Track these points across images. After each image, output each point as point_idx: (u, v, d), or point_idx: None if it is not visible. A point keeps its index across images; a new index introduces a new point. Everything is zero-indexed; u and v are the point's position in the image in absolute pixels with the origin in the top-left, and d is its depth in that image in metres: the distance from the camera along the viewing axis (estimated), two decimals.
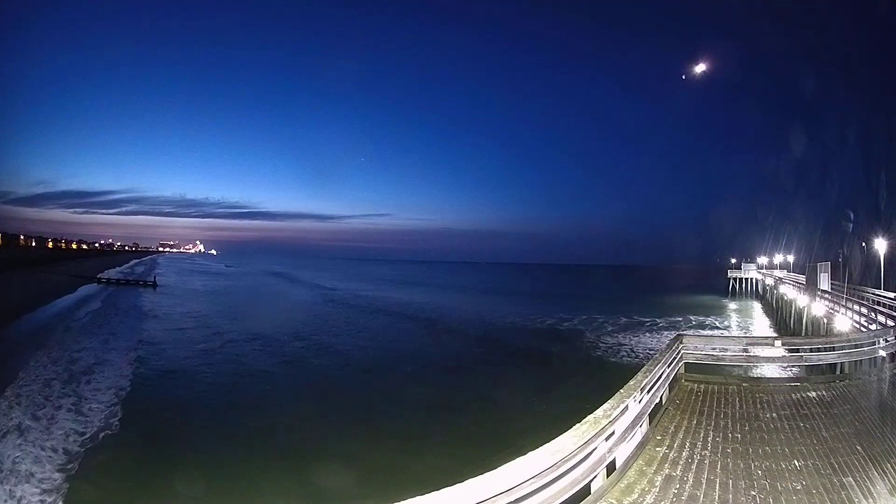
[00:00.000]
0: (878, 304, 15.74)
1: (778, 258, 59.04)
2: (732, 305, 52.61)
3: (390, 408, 16.04)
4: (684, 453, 5.21)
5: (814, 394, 7.79)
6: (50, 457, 11.60)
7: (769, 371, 14.15)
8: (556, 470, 3.21)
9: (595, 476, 3.98)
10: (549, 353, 25.67)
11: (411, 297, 59.06)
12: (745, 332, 33.42)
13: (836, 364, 10.34)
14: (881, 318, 14.01)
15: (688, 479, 4.55)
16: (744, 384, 8.35)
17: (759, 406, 7.11)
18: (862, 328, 14.57)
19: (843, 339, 10.74)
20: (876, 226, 23.31)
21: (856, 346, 9.89)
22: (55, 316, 33.16)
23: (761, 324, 37.76)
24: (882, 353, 9.91)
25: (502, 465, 2.87)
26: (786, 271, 51.63)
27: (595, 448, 3.86)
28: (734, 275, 64.23)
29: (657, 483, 4.44)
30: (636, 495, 4.18)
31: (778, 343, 9.86)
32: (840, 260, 27.91)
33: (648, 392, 5.62)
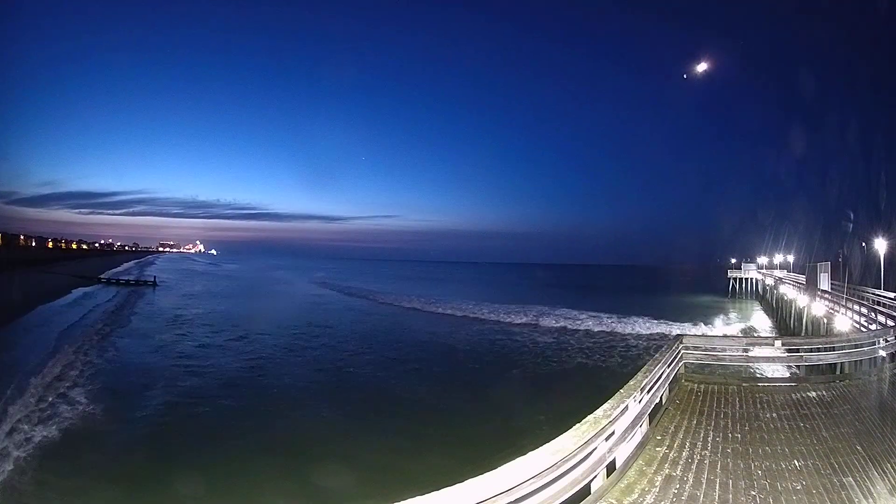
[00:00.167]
0: (878, 304, 15.74)
1: (778, 258, 59.03)
2: (732, 306, 52.62)
3: (391, 408, 16.06)
4: (684, 453, 5.21)
5: (814, 394, 7.79)
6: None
7: (769, 371, 14.16)
8: (556, 470, 3.21)
9: (595, 476, 3.98)
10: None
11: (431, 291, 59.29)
12: (745, 333, 33.43)
13: (836, 364, 10.33)
14: (881, 318, 14.01)
15: (688, 479, 4.55)
16: (744, 384, 8.35)
17: (759, 406, 7.11)
18: (862, 328, 14.57)
19: (843, 339, 10.74)
20: (876, 226, 23.36)
21: (856, 346, 9.89)
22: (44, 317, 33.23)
23: (761, 324, 37.77)
24: (882, 353, 9.92)
25: (502, 465, 2.87)
26: (786, 271, 51.62)
27: (595, 448, 3.86)
28: (734, 275, 64.17)
29: (657, 483, 4.44)
30: (636, 495, 4.18)
31: (778, 343, 9.85)
32: (840, 260, 27.96)
33: (648, 392, 5.62)
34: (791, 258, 53.70)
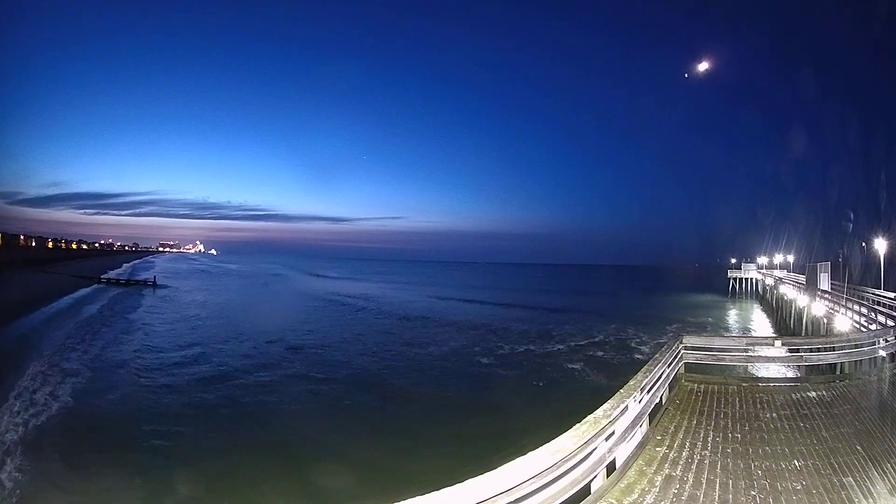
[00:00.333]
0: (878, 304, 15.73)
1: (778, 258, 59.06)
2: (732, 305, 52.62)
3: (391, 407, 16.06)
4: (684, 453, 5.21)
5: (814, 394, 7.78)
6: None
7: (769, 371, 14.15)
8: (556, 470, 3.21)
9: (595, 476, 3.98)
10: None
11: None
12: (745, 333, 33.42)
13: (836, 364, 10.32)
14: (881, 318, 14.00)
15: (688, 479, 4.55)
16: (744, 384, 8.34)
17: (759, 406, 7.10)
18: (862, 328, 14.56)
19: (843, 339, 10.72)
20: (876, 226, 23.34)
21: (856, 346, 9.88)
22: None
23: (761, 324, 37.76)
24: (882, 353, 9.91)
25: (502, 465, 2.87)
26: (786, 271, 51.63)
27: (595, 448, 3.86)
28: (734, 275, 64.17)
29: (657, 483, 4.44)
30: (636, 495, 4.18)
31: (778, 343, 9.84)
32: (840, 260, 27.97)
33: (648, 392, 5.62)
34: (791, 258, 53.77)
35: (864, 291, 19.30)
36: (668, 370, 7.07)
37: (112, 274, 72.42)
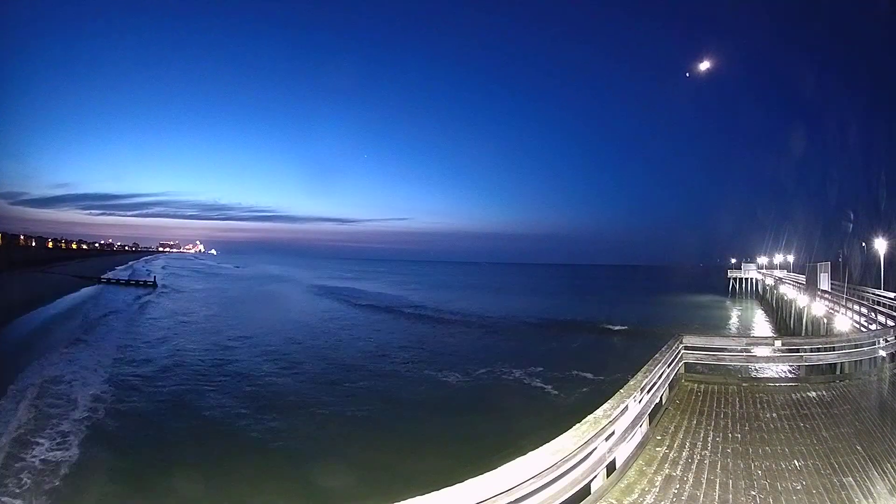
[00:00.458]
0: (878, 304, 15.73)
1: (778, 258, 59.02)
2: (732, 305, 52.63)
3: (391, 407, 16.06)
4: (684, 453, 5.20)
5: (814, 394, 7.78)
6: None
7: (769, 371, 14.15)
8: (556, 470, 3.21)
9: (595, 476, 3.98)
10: None
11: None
12: (745, 332, 33.42)
13: (836, 364, 10.32)
14: (881, 318, 14.00)
15: (688, 479, 4.54)
16: (744, 384, 8.34)
17: (759, 406, 7.10)
18: (862, 328, 14.55)
19: (843, 339, 10.72)
20: (876, 226, 23.32)
21: (856, 346, 9.88)
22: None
23: (761, 324, 37.78)
24: (882, 353, 9.91)
25: (502, 465, 2.87)
26: (786, 271, 51.58)
27: (595, 448, 3.86)
28: (734, 275, 64.15)
29: (657, 483, 4.44)
30: (636, 495, 4.18)
31: (778, 343, 9.84)
32: (840, 260, 27.90)
33: (648, 392, 5.62)
34: (791, 258, 53.70)
35: (864, 291, 19.30)
36: (668, 370, 7.07)
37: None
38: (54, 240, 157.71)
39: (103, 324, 31.48)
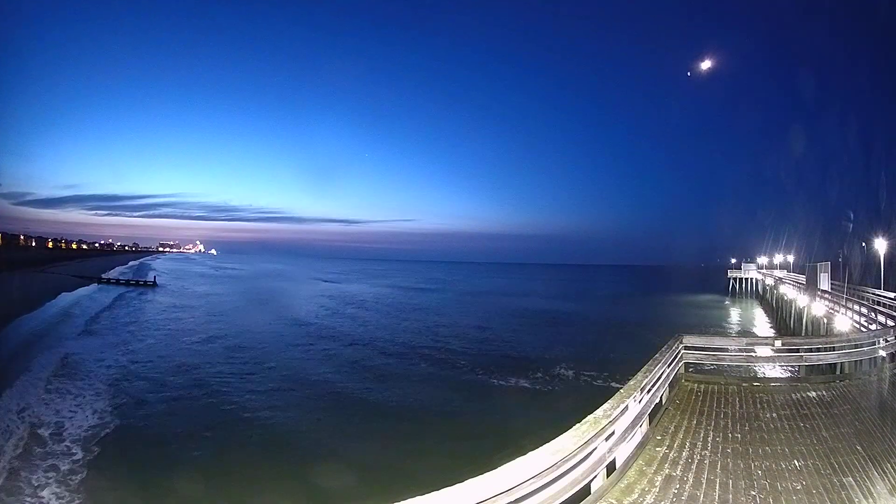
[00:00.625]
0: (878, 304, 15.73)
1: (778, 258, 59.05)
2: (732, 305, 52.63)
3: (391, 407, 16.06)
4: (684, 453, 5.20)
5: (814, 394, 7.78)
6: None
7: (769, 371, 14.14)
8: (556, 470, 3.21)
9: (595, 476, 3.98)
10: None
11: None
12: (745, 332, 33.42)
13: (836, 364, 10.32)
14: (881, 318, 14.00)
15: (688, 479, 4.54)
16: (744, 384, 8.34)
17: (759, 406, 7.10)
18: (862, 328, 14.55)
19: (843, 339, 10.72)
20: (876, 226, 23.33)
21: (856, 346, 9.87)
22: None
23: (761, 324, 37.77)
24: (882, 353, 9.91)
25: (502, 465, 2.87)
26: (786, 271, 51.61)
27: (595, 448, 3.86)
28: (734, 275, 64.18)
29: (657, 483, 4.44)
30: (636, 495, 4.17)
31: (778, 343, 9.83)
32: (840, 260, 27.93)
33: (648, 392, 5.61)
34: (791, 258, 53.79)
35: (864, 291, 19.29)
36: (668, 370, 7.07)
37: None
38: (54, 240, 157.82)
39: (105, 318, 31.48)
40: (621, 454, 4.63)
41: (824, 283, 23.99)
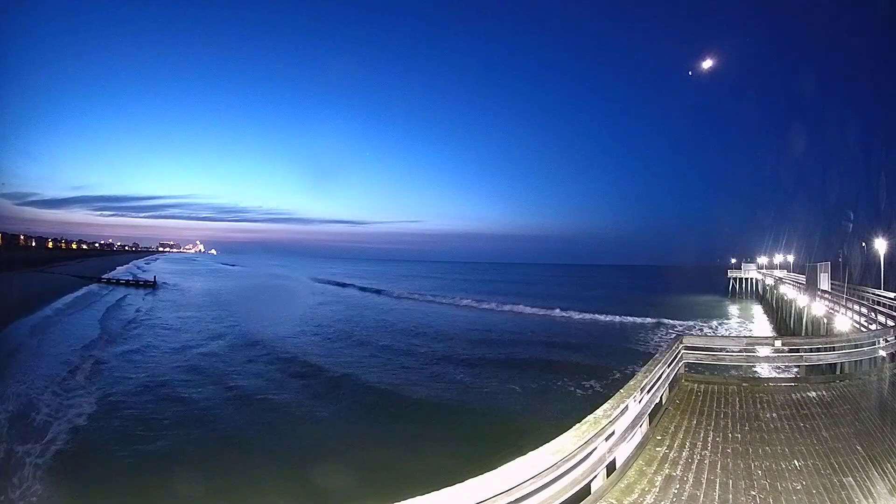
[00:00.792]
0: (878, 304, 15.72)
1: (778, 258, 59.04)
2: (732, 305, 52.62)
3: (390, 407, 16.05)
4: (684, 453, 5.20)
5: (814, 394, 7.78)
6: None
7: (769, 371, 14.14)
8: (557, 470, 3.21)
9: (595, 476, 3.98)
10: None
11: None
12: (745, 332, 33.41)
13: (836, 364, 10.32)
14: (881, 318, 13.99)
15: (688, 479, 4.54)
16: (744, 384, 8.34)
17: (759, 406, 7.10)
18: (862, 328, 14.54)
19: (843, 339, 10.71)
20: (876, 226, 23.32)
21: (856, 346, 9.87)
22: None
23: (761, 324, 37.75)
24: (882, 353, 9.91)
25: (502, 465, 2.86)
26: (786, 271, 51.58)
27: (595, 448, 3.86)
28: (734, 275, 64.15)
29: (657, 483, 4.44)
30: (636, 495, 4.18)
31: (778, 343, 9.83)
32: (840, 260, 27.90)
33: (648, 392, 5.61)
34: (791, 258, 53.76)
35: (864, 291, 19.28)
36: (668, 370, 7.07)
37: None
38: (54, 240, 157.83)
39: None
40: (621, 454, 4.63)
41: (824, 283, 23.98)
